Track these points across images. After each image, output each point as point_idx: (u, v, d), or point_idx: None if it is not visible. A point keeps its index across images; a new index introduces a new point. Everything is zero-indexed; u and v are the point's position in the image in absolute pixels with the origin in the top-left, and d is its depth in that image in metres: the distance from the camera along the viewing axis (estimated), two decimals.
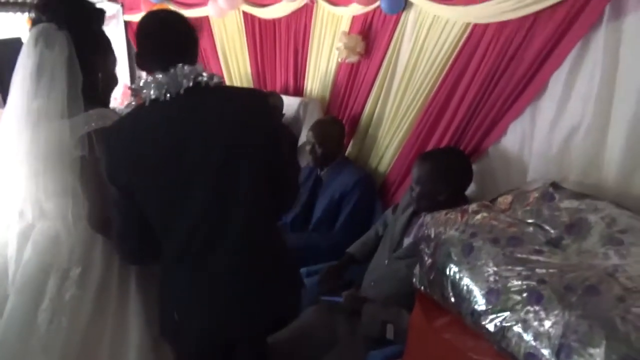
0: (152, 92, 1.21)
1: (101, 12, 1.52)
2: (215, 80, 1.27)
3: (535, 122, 1.60)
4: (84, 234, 1.44)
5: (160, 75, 1.21)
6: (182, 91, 1.20)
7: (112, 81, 1.60)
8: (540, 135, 1.58)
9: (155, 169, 1.23)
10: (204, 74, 1.24)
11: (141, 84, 1.24)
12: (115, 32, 4.58)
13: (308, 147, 2.46)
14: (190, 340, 1.35)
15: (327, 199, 2.42)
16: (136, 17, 4.33)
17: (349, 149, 2.63)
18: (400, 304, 1.72)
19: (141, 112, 1.27)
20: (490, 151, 1.80)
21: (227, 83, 3.72)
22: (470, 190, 1.85)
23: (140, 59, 1.31)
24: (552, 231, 1.24)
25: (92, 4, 1.54)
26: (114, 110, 1.62)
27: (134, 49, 4.61)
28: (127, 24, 4.52)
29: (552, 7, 1.45)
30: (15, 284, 1.40)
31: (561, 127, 1.51)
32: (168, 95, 1.20)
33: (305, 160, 2.66)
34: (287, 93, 3.15)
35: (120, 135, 1.27)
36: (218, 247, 1.27)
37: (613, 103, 1.35)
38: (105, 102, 1.57)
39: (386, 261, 1.92)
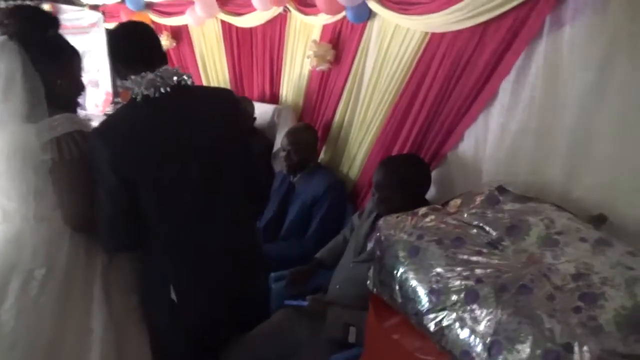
0: (143, 89, 1.33)
1: (54, 20, 1.57)
2: (191, 79, 1.45)
3: (488, 128, 1.66)
4: (47, 234, 1.48)
5: (149, 74, 1.34)
6: (168, 89, 1.35)
7: (75, 87, 1.62)
8: (492, 140, 1.63)
9: (155, 160, 1.37)
10: (181, 74, 1.41)
11: (132, 80, 1.36)
12: (97, 40, 4.61)
13: (283, 154, 2.50)
14: (189, 316, 1.51)
15: (299, 206, 2.45)
16: None
17: (321, 154, 2.68)
18: (363, 307, 1.76)
19: (136, 108, 1.39)
20: (449, 156, 1.86)
21: None
22: (431, 194, 1.89)
23: (121, 62, 1.42)
24: (493, 233, 1.28)
25: (46, 14, 1.58)
26: (81, 115, 1.66)
27: None
28: (108, 31, 4.55)
29: (499, 18, 1.51)
30: None
31: (510, 132, 1.56)
32: (157, 92, 1.34)
33: (279, 167, 2.70)
34: (263, 100, 3.20)
35: (121, 129, 1.39)
36: (209, 228, 1.46)
37: (555, 109, 1.41)
38: (69, 107, 1.58)
39: (351, 265, 1.96)
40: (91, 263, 1.52)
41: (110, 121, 1.44)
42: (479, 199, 1.39)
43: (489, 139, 1.66)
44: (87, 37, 4.62)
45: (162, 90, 1.34)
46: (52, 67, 1.49)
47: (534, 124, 1.48)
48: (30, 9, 1.56)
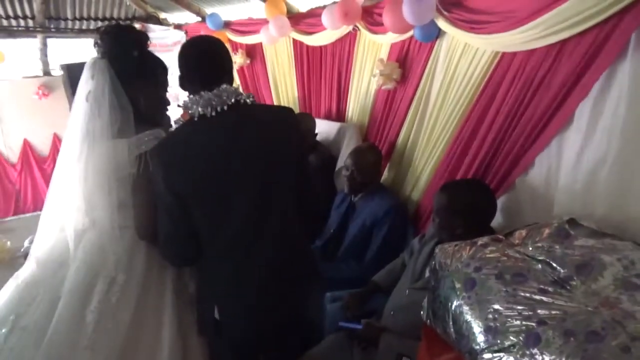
0: (200, 108, 1.34)
1: (142, 38, 1.63)
2: (252, 98, 1.44)
3: (562, 155, 1.53)
4: (128, 243, 1.56)
5: (207, 93, 1.34)
6: (225, 107, 1.35)
7: (159, 103, 1.69)
8: (566, 169, 1.50)
9: (207, 178, 1.37)
10: (242, 93, 1.41)
11: (188, 101, 1.38)
12: None
13: (346, 173, 2.48)
14: (234, 333, 1.50)
15: (359, 226, 2.41)
16: None
17: (384, 174, 2.62)
18: (418, 336, 1.67)
19: (192, 127, 1.40)
20: (517, 183, 1.74)
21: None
22: (497, 223, 1.78)
23: (185, 79, 1.43)
24: (561, 270, 1.17)
25: (135, 32, 1.67)
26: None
27: None
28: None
29: (578, 36, 1.40)
30: (66, 285, 1.51)
31: (587, 160, 1.43)
32: (214, 111, 1.34)
33: (341, 185, 2.68)
34: (329, 118, 3.21)
35: (175, 147, 1.41)
36: (258, 246, 1.43)
37: (639, 137, 1.26)
38: (156, 122, 1.64)
39: (407, 291, 1.89)
40: (163, 274, 1.59)
41: (166, 140, 1.45)
42: (546, 232, 1.28)
43: (563, 167, 1.53)
44: (171, 55, 4.90)
45: (219, 109, 1.34)
46: (137, 85, 1.57)
47: (614, 152, 1.34)
48: (118, 28, 1.65)
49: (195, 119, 1.36)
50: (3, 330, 1.47)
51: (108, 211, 1.56)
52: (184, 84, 1.43)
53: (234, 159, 1.36)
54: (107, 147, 1.52)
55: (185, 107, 1.39)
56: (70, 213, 1.62)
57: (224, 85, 1.37)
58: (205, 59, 1.40)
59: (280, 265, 1.46)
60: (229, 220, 1.40)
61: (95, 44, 1.60)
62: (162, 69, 1.67)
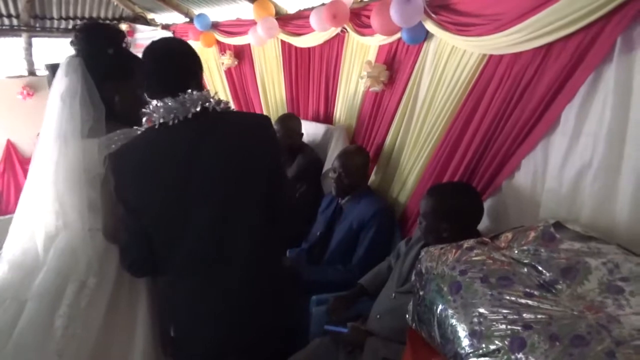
0: (161, 116, 1.25)
1: (117, 35, 1.60)
2: (222, 105, 1.32)
3: (548, 158, 1.52)
4: (100, 246, 1.51)
5: (170, 101, 1.25)
6: (190, 115, 1.25)
7: (134, 102, 1.61)
8: (552, 172, 1.50)
9: (163, 189, 1.28)
10: (212, 99, 1.29)
11: (151, 109, 1.29)
12: None
13: (333, 176, 2.46)
14: (195, 353, 1.40)
15: (345, 229, 2.39)
16: None
17: (371, 177, 2.61)
18: (404, 340, 1.66)
19: (149, 135, 1.31)
20: (504, 186, 1.73)
21: (264, 107, 3.83)
22: (483, 226, 1.77)
23: (149, 87, 1.34)
24: (546, 273, 1.16)
25: (111, 29, 1.63)
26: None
27: None
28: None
29: (564, 40, 1.39)
30: (35, 289, 1.46)
31: (572, 164, 1.42)
32: (176, 119, 1.24)
33: (328, 188, 2.66)
34: (317, 120, 3.20)
35: (129, 156, 1.32)
36: (218, 267, 1.31)
37: (625, 141, 1.26)
38: (131, 122, 1.57)
39: (393, 294, 1.87)
40: (138, 281, 1.54)
41: (122, 148, 1.34)
42: (532, 235, 1.27)
43: (549, 171, 1.52)
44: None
45: (181, 117, 1.24)
46: (111, 83, 1.54)
47: (599, 156, 1.33)
48: (93, 27, 1.63)
49: (156, 126, 1.27)
50: None
51: (79, 213, 1.50)
52: (148, 90, 1.34)
53: (195, 170, 1.26)
54: (78, 146, 1.47)
55: (147, 115, 1.30)
56: (42, 216, 1.57)
57: (190, 91, 1.26)
58: (166, 63, 1.29)
59: (242, 290, 1.35)
60: (186, 236, 1.29)
61: (71, 42, 1.56)
62: (137, 67, 1.60)
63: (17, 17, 4.79)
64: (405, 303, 1.75)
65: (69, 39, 1.59)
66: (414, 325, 1.37)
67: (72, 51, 1.59)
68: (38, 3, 4.67)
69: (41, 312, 1.42)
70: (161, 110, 1.25)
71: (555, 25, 1.36)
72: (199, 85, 1.33)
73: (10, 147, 5.34)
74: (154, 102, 1.29)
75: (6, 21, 4.81)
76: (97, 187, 1.48)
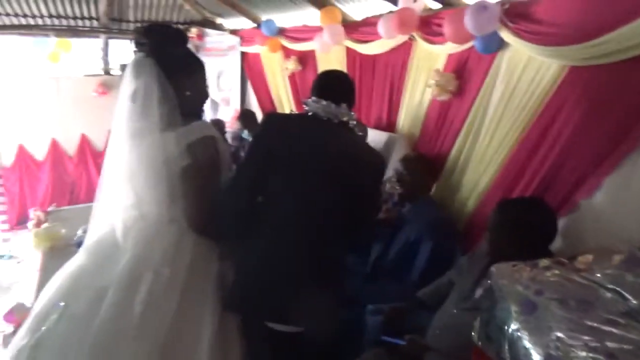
0: (319, 110, 1.59)
1: (181, 35, 1.69)
2: (358, 128, 1.69)
3: (633, 178, 1.43)
4: (175, 237, 1.59)
5: (329, 104, 1.59)
6: (336, 120, 1.60)
7: (201, 97, 1.75)
8: (637, 193, 1.40)
9: (295, 152, 1.58)
10: (354, 120, 1.65)
11: (312, 101, 1.62)
12: (233, 61, 5.00)
13: (394, 178, 2.43)
14: (257, 309, 1.58)
15: (403, 240, 2.34)
16: (251, 49, 4.69)
17: (433, 189, 2.55)
18: (463, 358, 1.60)
19: (303, 116, 1.68)
20: (582, 205, 1.64)
21: None
22: (556, 246, 1.68)
23: (320, 91, 1.65)
24: (633, 301, 1.08)
25: (174, 30, 1.71)
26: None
27: (247, 77, 4.98)
28: (243, 54, 4.89)
29: None
30: (115, 277, 1.54)
31: None
32: (326, 118, 1.59)
33: (386, 195, 2.62)
34: (379, 127, 3.17)
35: (283, 118, 1.86)
36: (301, 235, 1.56)
37: None
38: (198, 116, 1.72)
39: (454, 310, 1.81)
40: (207, 270, 1.61)
41: (281, 114, 1.72)
42: (617, 258, 1.19)
43: (634, 190, 1.43)
44: (225, 59, 5.04)
45: (330, 117, 1.58)
46: (182, 80, 1.61)
47: None
48: (161, 27, 1.70)
49: (309, 114, 1.61)
50: (53, 317, 1.51)
51: (157, 205, 1.59)
52: (317, 92, 1.65)
53: (321, 159, 1.57)
54: (157, 140, 1.55)
55: (306, 104, 1.64)
56: (120, 207, 1.65)
57: (345, 105, 1.61)
58: (339, 82, 1.73)
59: (312, 263, 1.57)
60: (287, 201, 1.55)
61: (138, 43, 1.63)
62: (199, 64, 1.72)
63: (97, 19, 5.09)
64: (467, 320, 1.68)
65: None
66: (480, 343, 1.31)
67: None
68: (117, 7, 4.94)
69: (121, 298, 1.49)
70: (319, 107, 1.59)
71: None
72: (350, 107, 1.66)
73: (84, 141, 5.66)
74: (311, 99, 1.63)
75: (87, 23, 5.13)
76: (175, 179, 1.55)
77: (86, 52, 5.73)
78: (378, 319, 2.11)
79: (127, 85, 1.58)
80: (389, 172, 2.72)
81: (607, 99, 1.50)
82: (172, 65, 1.58)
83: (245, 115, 4.21)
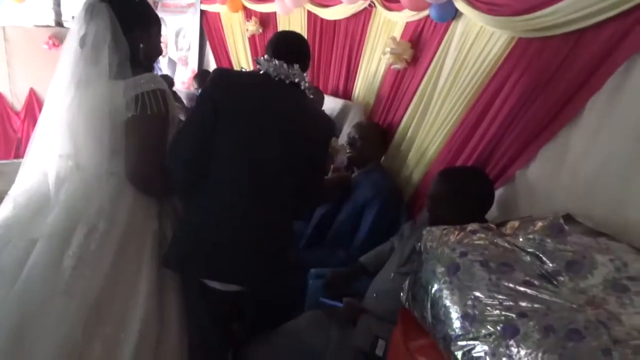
0: (270, 69, 1.57)
1: None
2: (311, 91, 1.68)
3: (567, 151, 1.46)
4: (113, 191, 1.53)
5: (281, 65, 1.57)
6: (287, 81, 1.58)
7: (154, 52, 1.70)
8: (569, 165, 1.44)
9: (246, 111, 1.55)
10: (306, 81, 1.63)
11: (264, 59, 1.60)
12: (192, 20, 4.81)
13: (347, 142, 2.44)
14: (197, 267, 1.54)
15: (351, 205, 2.35)
16: (211, 7, 4.53)
17: (383, 157, 2.56)
18: (397, 321, 1.64)
19: (254, 74, 1.73)
20: (517, 176, 1.67)
21: None
22: (492, 215, 1.72)
23: (275, 50, 1.63)
24: (550, 264, 1.12)
25: None
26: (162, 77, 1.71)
27: (206, 37, 4.82)
28: (202, 13, 4.71)
29: (597, 27, 1.33)
30: (45, 228, 1.49)
31: (591, 159, 1.36)
32: (277, 78, 1.57)
33: (339, 161, 2.62)
34: (336, 95, 3.14)
35: (234, 74, 1.84)
36: (251, 195, 1.53)
37: None
38: (149, 69, 1.66)
39: (392, 275, 1.84)
40: (146, 226, 1.57)
41: (231, 70, 1.66)
42: (540, 225, 1.23)
43: (567, 164, 1.46)
44: (184, 17, 4.85)
45: (282, 78, 1.56)
46: (136, 30, 1.55)
47: (622, 153, 1.27)
48: None
49: (261, 72, 1.59)
50: None
51: (96, 157, 1.53)
52: (272, 51, 1.63)
53: (268, 118, 1.55)
54: (105, 88, 1.49)
55: (258, 63, 1.62)
56: (54, 158, 1.58)
57: (297, 66, 1.58)
58: (294, 42, 1.70)
59: (260, 231, 1.55)
60: (242, 162, 1.52)
61: None
62: (155, 17, 1.67)
63: None
64: (403, 284, 1.73)
65: None
66: (407, 304, 1.34)
67: None
68: None
69: (51, 252, 1.45)
70: (272, 65, 1.57)
71: (589, 10, 1.29)
72: (303, 68, 1.64)
73: (32, 95, 5.39)
74: (263, 57, 1.62)
75: None
76: (119, 131, 1.49)
77: (37, 1, 5.39)
78: (319, 283, 2.13)
79: (77, 29, 1.51)
80: (342, 140, 2.72)
81: (548, 72, 1.52)
82: (126, 13, 1.51)
83: (202, 76, 4.10)
